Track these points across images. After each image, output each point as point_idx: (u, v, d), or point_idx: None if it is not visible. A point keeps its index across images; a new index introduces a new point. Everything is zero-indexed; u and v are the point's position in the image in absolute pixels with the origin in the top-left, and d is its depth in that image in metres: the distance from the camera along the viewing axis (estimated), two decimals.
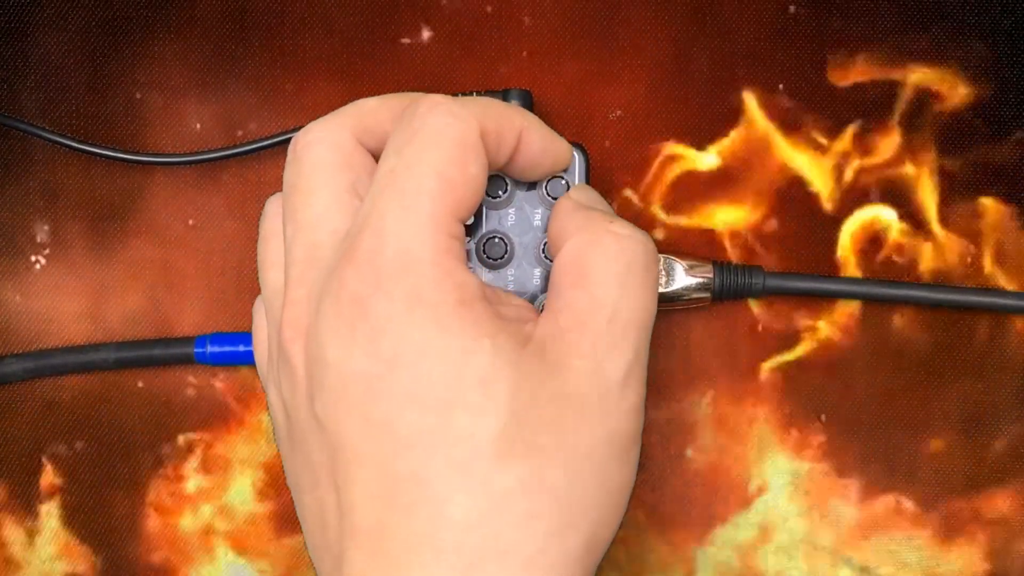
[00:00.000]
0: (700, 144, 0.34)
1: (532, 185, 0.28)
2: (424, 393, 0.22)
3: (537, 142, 0.26)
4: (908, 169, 0.34)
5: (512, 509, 0.22)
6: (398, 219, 0.23)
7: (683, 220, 0.34)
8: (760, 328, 0.34)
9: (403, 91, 0.34)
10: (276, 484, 0.35)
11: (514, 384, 0.22)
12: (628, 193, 0.34)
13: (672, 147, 0.34)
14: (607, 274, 0.25)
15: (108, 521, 0.35)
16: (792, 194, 0.34)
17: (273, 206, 0.28)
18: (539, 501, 0.22)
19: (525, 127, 0.26)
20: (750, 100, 0.34)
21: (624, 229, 0.25)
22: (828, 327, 0.34)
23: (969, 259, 0.34)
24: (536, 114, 0.33)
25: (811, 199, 0.34)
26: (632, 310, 0.25)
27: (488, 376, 0.22)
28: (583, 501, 0.23)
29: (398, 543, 0.22)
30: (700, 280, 0.32)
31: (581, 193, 0.27)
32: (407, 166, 0.24)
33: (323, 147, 0.25)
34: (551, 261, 0.28)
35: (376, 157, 0.26)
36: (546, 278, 0.28)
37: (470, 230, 0.28)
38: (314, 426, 0.23)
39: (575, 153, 0.29)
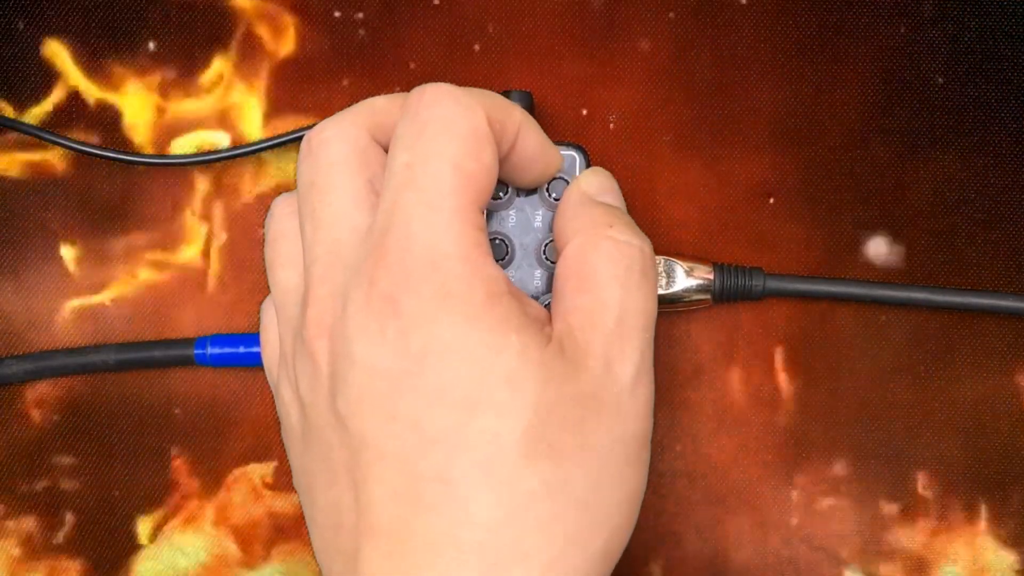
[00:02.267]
0: None
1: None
2: (451, 390, 0.22)
3: (533, 140, 0.26)
4: None
5: (535, 511, 0.22)
6: (424, 217, 0.23)
7: None
8: (760, 330, 0.34)
9: (402, 92, 0.35)
10: None
11: (540, 383, 0.22)
12: None
13: None
14: (608, 277, 0.25)
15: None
16: None
17: (280, 207, 0.28)
18: (562, 504, 0.22)
19: (523, 122, 0.26)
20: None
21: (622, 234, 0.25)
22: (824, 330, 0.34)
23: None
24: (536, 115, 0.33)
25: None
26: (635, 311, 0.25)
27: (515, 374, 0.22)
28: (603, 505, 0.23)
29: (419, 543, 0.22)
30: (700, 282, 0.32)
31: (592, 177, 0.27)
32: (423, 160, 0.23)
33: (339, 144, 0.25)
34: (552, 263, 0.28)
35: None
36: (547, 279, 0.28)
37: None
38: (335, 424, 0.23)
39: (575, 154, 0.29)
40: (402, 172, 0.24)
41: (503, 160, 0.26)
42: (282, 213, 0.27)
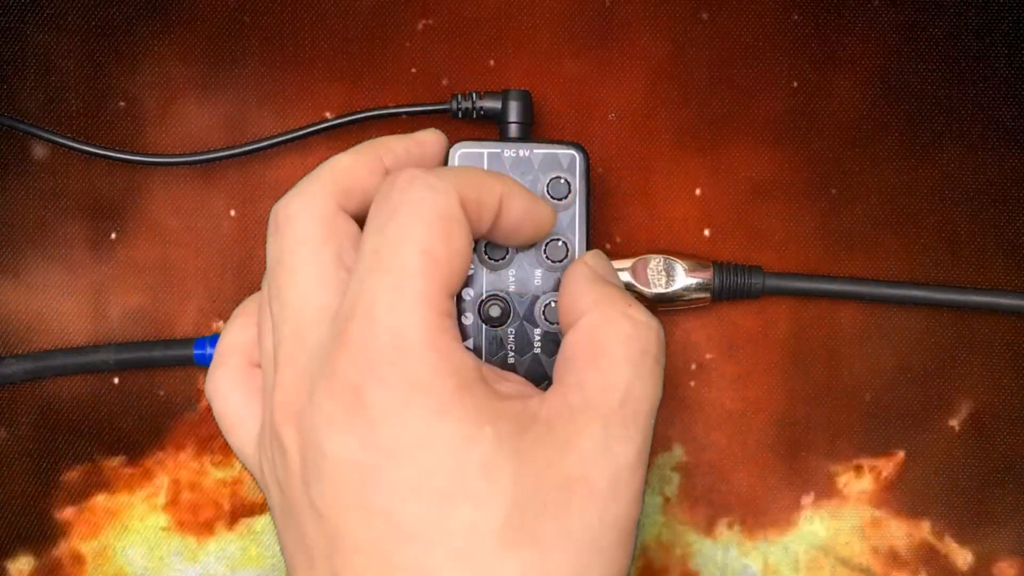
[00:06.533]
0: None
1: (534, 185, 0.29)
2: (425, 483, 0.22)
3: (518, 207, 0.26)
4: None
5: None
6: (388, 302, 0.23)
7: None
8: (760, 328, 0.34)
9: (402, 91, 0.35)
10: None
11: (517, 471, 0.22)
12: None
13: None
14: (622, 357, 0.24)
15: None
16: None
17: None
18: None
19: (505, 192, 0.25)
20: None
21: (640, 315, 0.25)
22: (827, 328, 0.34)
23: None
24: (536, 114, 0.33)
25: None
26: (643, 396, 0.24)
27: (490, 464, 0.22)
28: None
29: None
30: (700, 280, 0.32)
31: (595, 260, 0.27)
32: (391, 245, 0.23)
33: (304, 219, 0.25)
34: (552, 261, 0.28)
35: (358, 219, 0.26)
36: (546, 278, 0.28)
37: None
38: (310, 511, 0.23)
39: (575, 153, 0.29)
40: (370, 257, 0.23)
41: (492, 229, 0.26)
42: None
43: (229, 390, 0.27)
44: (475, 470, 0.22)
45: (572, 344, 0.25)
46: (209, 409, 0.34)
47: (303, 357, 0.24)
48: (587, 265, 0.27)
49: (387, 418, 0.22)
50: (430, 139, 0.28)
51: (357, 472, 0.22)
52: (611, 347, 0.24)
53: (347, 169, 0.26)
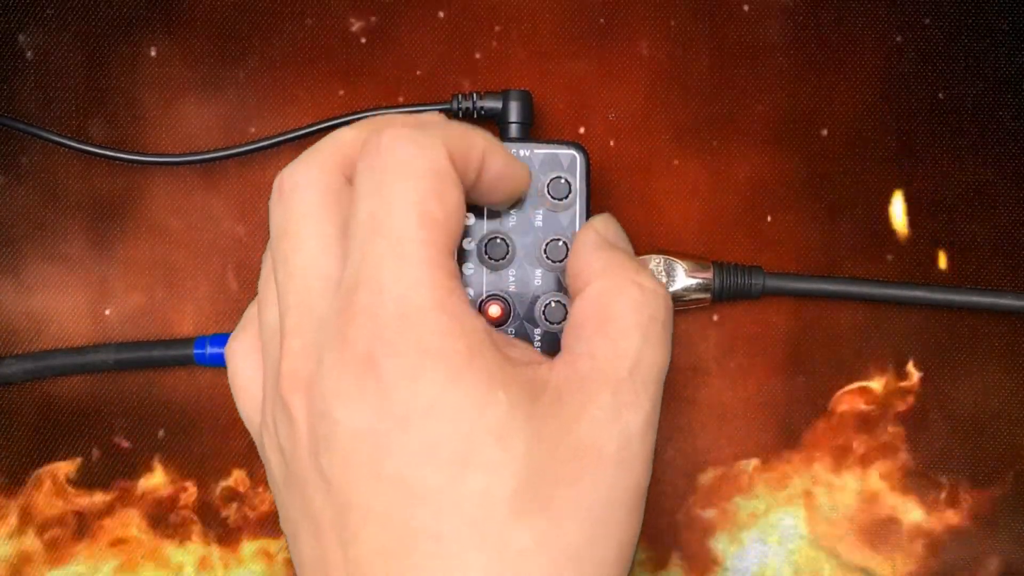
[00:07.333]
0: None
1: (534, 184, 0.29)
2: (438, 449, 0.22)
3: (498, 164, 0.26)
4: None
5: (528, 567, 0.22)
6: (393, 268, 0.22)
7: None
8: (760, 328, 0.34)
9: (402, 91, 0.35)
10: None
11: (530, 437, 0.22)
12: None
13: None
14: (631, 324, 0.24)
15: None
16: None
17: None
18: (555, 559, 0.22)
19: (487, 148, 0.25)
20: None
21: (648, 282, 0.25)
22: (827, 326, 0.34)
23: None
24: (536, 114, 0.34)
25: None
26: (652, 363, 0.24)
27: (504, 431, 0.22)
28: (598, 557, 0.23)
29: None
30: (700, 280, 0.32)
31: (604, 225, 0.27)
32: (387, 207, 0.23)
33: (310, 190, 0.25)
34: (552, 261, 0.28)
35: None
36: (547, 279, 0.28)
37: (471, 230, 0.28)
38: (318, 479, 0.23)
39: (575, 153, 0.29)
40: (368, 222, 0.23)
41: (472, 186, 0.26)
42: None
43: (247, 354, 0.27)
44: (488, 436, 0.22)
45: (580, 311, 0.25)
46: (209, 414, 0.35)
47: (311, 326, 0.24)
48: (596, 231, 0.26)
49: (399, 386, 0.22)
50: (433, 120, 0.28)
51: (369, 440, 0.22)
52: (620, 314, 0.24)
53: (351, 142, 0.26)
